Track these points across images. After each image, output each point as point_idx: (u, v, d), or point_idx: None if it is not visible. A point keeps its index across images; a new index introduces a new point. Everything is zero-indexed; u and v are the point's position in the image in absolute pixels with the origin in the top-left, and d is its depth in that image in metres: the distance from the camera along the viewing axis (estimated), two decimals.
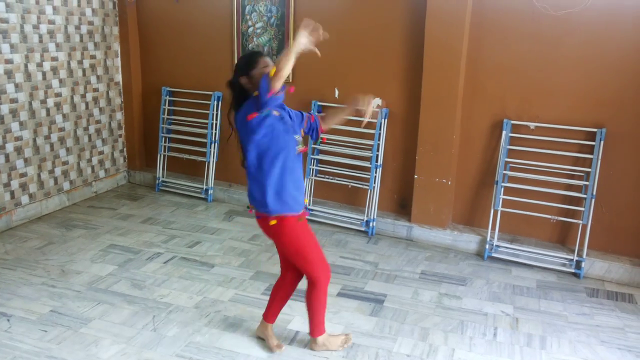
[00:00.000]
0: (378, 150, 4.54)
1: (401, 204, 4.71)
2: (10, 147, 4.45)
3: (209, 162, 5.28)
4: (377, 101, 4.57)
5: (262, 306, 3.41)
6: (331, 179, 4.82)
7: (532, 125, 4.09)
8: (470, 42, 4.12)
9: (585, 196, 3.92)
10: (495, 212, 4.19)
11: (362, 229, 4.64)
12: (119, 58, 5.47)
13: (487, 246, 4.20)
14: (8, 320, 3.20)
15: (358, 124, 4.64)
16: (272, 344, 2.99)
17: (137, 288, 3.62)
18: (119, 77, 5.50)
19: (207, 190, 5.31)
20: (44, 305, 3.37)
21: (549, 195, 4.09)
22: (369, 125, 4.59)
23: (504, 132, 4.11)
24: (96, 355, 2.90)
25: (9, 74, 4.35)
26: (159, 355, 2.93)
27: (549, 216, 4.12)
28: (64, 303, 3.41)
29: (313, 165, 4.83)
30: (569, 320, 3.41)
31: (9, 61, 4.34)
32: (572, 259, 3.99)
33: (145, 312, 3.34)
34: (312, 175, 4.85)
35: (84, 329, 3.14)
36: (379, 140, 4.53)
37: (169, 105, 5.47)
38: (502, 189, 4.14)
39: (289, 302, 3.48)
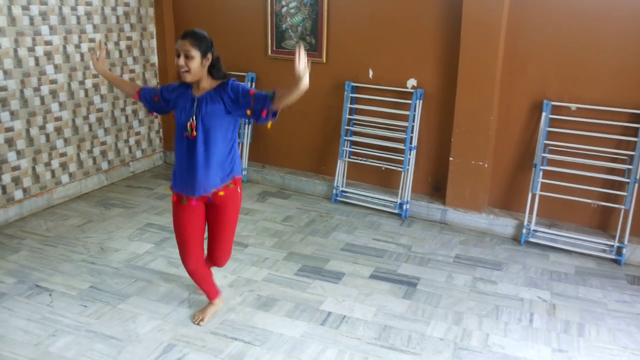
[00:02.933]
0: (412, 132, 4.47)
1: (435, 186, 4.64)
2: (50, 127, 4.56)
3: (242, 143, 5.30)
4: (412, 81, 4.48)
5: (296, 286, 3.46)
6: (364, 160, 4.78)
7: (573, 106, 3.95)
8: (509, 20, 3.99)
9: (628, 180, 3.79)
10: (534, 196, 4.09)
11: (396, 211, 4.60)
12: (155, 39, 5.51)
13: (524, 231, 4.11)
14: (50, 295, 3.31)
15: (391, 105, 4.59)
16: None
17: (173, 266, 3.68)
18: (154, 59, 5.55)
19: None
20: (84, 281, 3.47)
21: (590, 179, 3.96)
22: (404, 106, 4.53)
23: (543, 114, 3.99)
24: (134, 331, 2.98)
25: (48, 55, 4.44)
26: (194, 331, 2.99)
27: (590, 201, 4.00)
28: (102, 279, 3.50)
29: (346, 147, 4.80)
30: (609, 308, 3.32)
31: (48, 43, 4.42)
32: (613, 245, 3.88)
33: (181, 289, 3.40)
34: (345, 157, 4.82)
35: (121, 304, 3.22)
36: (413, 121, 4.46)
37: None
38: (541, 173, 4.04)
39: (322, 282, 3.52)
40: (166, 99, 2.82)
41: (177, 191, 2.80)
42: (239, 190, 2.86)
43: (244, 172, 5.34)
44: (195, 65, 2.57)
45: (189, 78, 2.60)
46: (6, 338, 2.90)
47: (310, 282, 3.52)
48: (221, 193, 2.76)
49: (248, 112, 2.60)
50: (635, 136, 3.75)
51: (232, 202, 2.83)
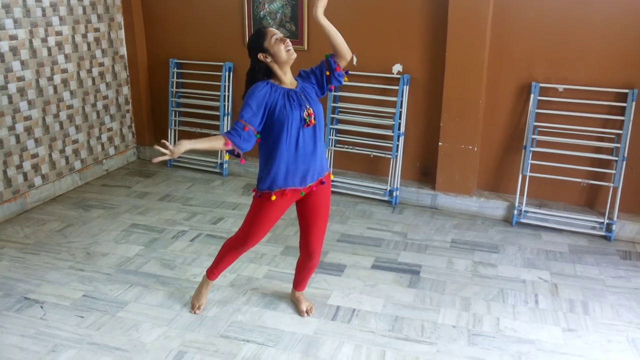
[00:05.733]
0: (400, 118, 4.43)
1: (424, 171, 4.63)
2: (20, 127, 4.28)
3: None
4: (398, 67, 4.44)
5: None
6: (352, 148, 4.72)
7: (560, 87, 4.00)
8: (495, 3, 3.98)
9: (616, 159, 3.87)
10: (524, 177, 4.14)
11: (386, 198, 4.58)
12: (123, 30, 5.25)
13: (516, 212, 4.16)
14: (41, 307, 3.12)
15: (377, 91, 4.54)
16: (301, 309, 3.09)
17: (168, 268, 3.54)
18: (123, 50, 5.29)
19: (221, 164, 5.19)
20: (76, 290, 3.28)
21: (579, 158, 4.03)
22: (391, 92, 4.48)
23: (532, 95, 4.02)
24: (139, 340, 2.84)
25: (14, 50, 4.14)
26: (204, 336, 2.87)
27: (579, 180, 4.07)
28: (95, 287, 3.32)
29: (332, 136, 4.72)
30: (607, 284, 3.40)
31: (13, 37, 4.13)
32: (603, 222, 3.97)
33: (181, 292, 3.27)
34: (332, 146, 4.75)
35: (121, 312, 3.07)
36: (400, 107, 4.42)
37: (177, 78, 5.29)
38: (531, 154, 4.08)
39: (325, 276, 3.46)
40: (263, 116, 2.54)
41: (290, 186, 2.64)
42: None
43: (225, 166, 5.20)
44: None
45: (295, 55, 2.57)
46: (2, 358, 2.70)
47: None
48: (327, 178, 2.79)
49: (327, 72, 2.66)
50: (622, 115, 3.83)
51: (327, 192, 2.84)
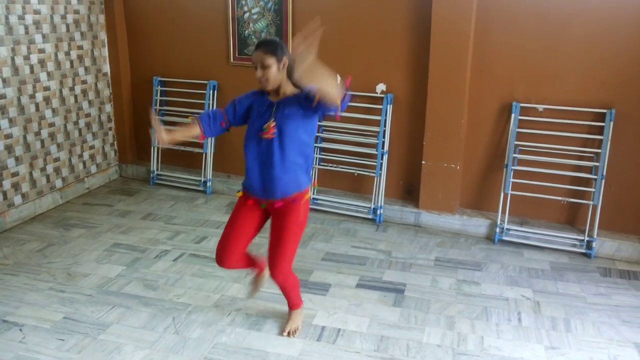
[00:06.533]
0: (384, 137, 4.47)
1: (407, 190, 4.67)
2: (0, 145, 4.22)
3: (206, 153, 5.13)
4: (381, 86, 4.49)
5: (284, 302, 3.33)
6: (336, 167, 4.74)
7: (540, 107, 4.07)
8: (477, 24, 4.06)
9: (595, 177, 3.94)
10: (506, 195, 4.19)
11: (370, 216, 4.59)
12: (106, 48, 5.24)
13: (498, 230, 4.21)
14: (20, 330, 3.05)
15: (361, 110, 4.58)
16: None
17: (151, 289, 3.50)
18: (106, 68, 5.27)
19: (205, 182, 5.17)
20: (56, 312, 3.22)
21: (559, 177, 4.10)
22: (374, 111, 4.52)
23: (513, 115, 4.09)
24: None
25: None
26: (187, 358, 2.84)
27: (560, 198, 4.14)
28: (76, 309, 3.27)
29: (317, 154, 4.74)
30: (588, 302, 3.44)
31: None
32: (583, 240, 4.03)
33: (164, 313, 3.23)
34: (316, 164, 4.76)
35: (102, 335, 3.02)
36: (384, 126, 4.46)
37: (161, 96, 5.28)
38: (512, 172, 4.14)
39: (310, 295, 3.45)
40: (239, 112, 2.73)
41: (251, 193, 2.76)
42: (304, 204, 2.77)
43: (208, 184, 5.18)
44: (273, 72, 2.55)
45: (269, 86, 2.59)
46: None
47: None
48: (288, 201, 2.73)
49: (314, 103, 2.45)
50: (601, 134, 3.91)
51: (293, 213, 2.74)
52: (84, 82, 5.00)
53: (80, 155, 5.08)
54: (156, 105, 5.25)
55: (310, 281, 3.61)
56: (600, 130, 3.93)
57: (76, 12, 4.80)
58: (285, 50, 2.58)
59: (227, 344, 2.96)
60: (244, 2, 4.71)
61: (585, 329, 3.16)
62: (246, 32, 4.79)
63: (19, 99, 4.34)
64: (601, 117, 3.92)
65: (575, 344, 3.02)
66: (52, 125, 4.70)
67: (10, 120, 4.29)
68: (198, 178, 5.22)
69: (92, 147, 5.22)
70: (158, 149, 5.36)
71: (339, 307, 3.33)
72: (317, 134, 4.69)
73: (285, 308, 3.16)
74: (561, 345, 3.00)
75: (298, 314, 3.11)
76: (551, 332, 3.12)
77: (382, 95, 4.45)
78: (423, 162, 4.38)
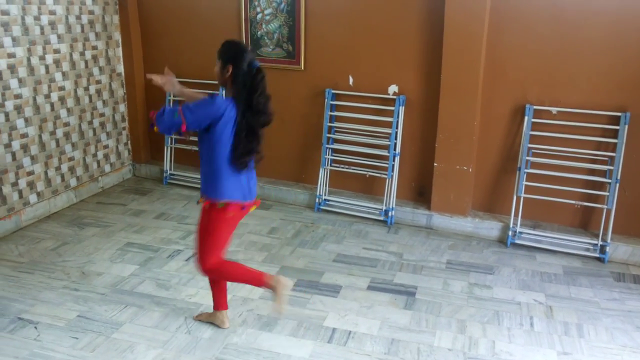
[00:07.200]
0: (396, 139, 4.47)
1: (419, 192, 4.66)
2: (16, 145, 4.28)
3: None
4: (394, 88, 4.48)
5: (295, 303, 3.38)
6: (347, 168, 4.74)
7: (554, 110, 4.05)
8: (490, 26, 4.04)
9: (609, 181, 3.91)
10: (518, 198, 4.17)
11: (381, 218, 4.59)
12: (120, 48, 5.28)
13: (510, 233, 4.18)
14: (35, 327, 3.09)
15: (373, 111, 4.57)
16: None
17: (163, 288, 3.53)
18: (120, 68, 5.32)
19: None
20: (70, 311, 3.26)
21: (572, 180, 4.07)
22: (386, 113, 4.51)
23: (526, 118, 4.07)
24: None
25: (12, 68, 4.16)
26: (199, 358, 2.86)
27: (573, 201, 4.10)
28: (90, 307, 3.30)
29: (328, 155, 4.75)
30: (602, 307, 3.41)
31: (11, 55, 4.14)
32: (597, 244, 4.00)
33: (176, 313, 3.26)
34: (328, 165, 4.77)
35: (116, 334, 3.05)
36: (396, 128, 4.45)
37: (174, 97, 5.31)
38: (525, 175, 4.11)
39: (321, 297, 3.46)
40: None
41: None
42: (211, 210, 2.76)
43: None
44: (216, 71, 2.74)
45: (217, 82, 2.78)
46: None
47: (308, 297, 3.45)
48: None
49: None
50: (615, 138, 3.88)
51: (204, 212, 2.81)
52: (98, 82, 5.05)
53: (95, 155, 5.13)
54: (170, 105, 5.28)
55: (321, 283, 3.62)
56: (614, 134, 3.89)
57: (91, 12, 4.85)
58: (234, 60, 2.64)
59: (238, 345, 2.98)
60: (256, 3, 4.73)
61: (598, 335, 3.13)
62: (259, 32, 4.80)
63: (34, 99, 4.39)
64: (615, 120, 3.89)
65: (587, 350, 3.00)
66: (67, 124, 4.75)
67: (26, 120, 4.34)
68: None
69: (106, 147, 5.27)
70: (172, 149, 5.39)
71: (350, 309, 3.33)
72: (329, 135, 4.69)
73: (299, 309, 3.18)
74: (574, 351, 2.98)
75: (215, 315, 3.14)
76: (563, 338, 3.10)
77: (395, 97, 4.44)
78: (435, 164, 4.37)
